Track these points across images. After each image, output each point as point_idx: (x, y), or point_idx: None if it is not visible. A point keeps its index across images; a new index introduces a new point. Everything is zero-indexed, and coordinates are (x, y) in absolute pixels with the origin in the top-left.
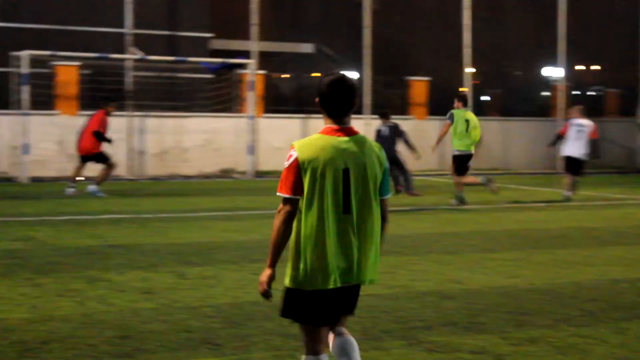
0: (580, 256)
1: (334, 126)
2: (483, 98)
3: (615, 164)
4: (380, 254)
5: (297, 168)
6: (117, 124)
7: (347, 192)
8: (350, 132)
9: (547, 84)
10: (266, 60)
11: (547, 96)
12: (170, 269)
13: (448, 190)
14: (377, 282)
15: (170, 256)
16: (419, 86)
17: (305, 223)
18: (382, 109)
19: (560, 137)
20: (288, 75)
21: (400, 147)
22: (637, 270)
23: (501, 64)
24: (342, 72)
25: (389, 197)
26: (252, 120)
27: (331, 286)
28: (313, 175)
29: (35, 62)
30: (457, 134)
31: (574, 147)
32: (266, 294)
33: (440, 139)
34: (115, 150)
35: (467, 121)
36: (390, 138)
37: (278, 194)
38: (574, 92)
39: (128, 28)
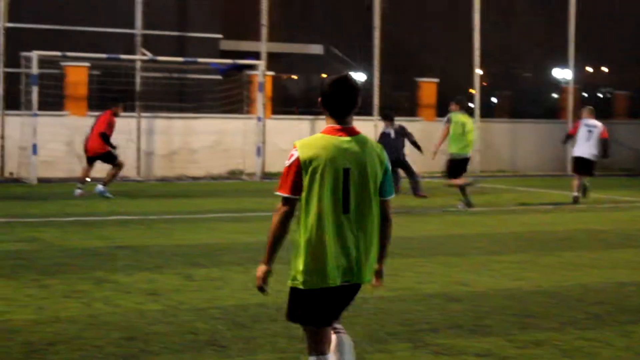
0: (586, 259)
1: (336, 126)
2: (492, 100)
3: (623, 166)
4: (386, 255)
5: (298, 167)
6: (126, 125)
7: (347, 191)
8: (352, 132)
9: (557, 85)
10: (275, 61)
11: (556, 98)
12: (177, 270)
13: (454, 192)
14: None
15: (177, 258)
16: (427, 88)
17: (306, 222)
18: (385, 111)
19: (570, 137)
20: (297, 77)
21: (407, 149)
22: None
23: (510, 65)
24: (345, 73)
25: (390, 199)
26: (260, 121)
27: (331, 284)
28: (314, 174)
29: (44, 62)
30: (453, 138)
31: (585, 147)
32: (262, 289)
33: (440, 143)
34: (123, 151)
35: (463, 124)
36: (396, 140)
37: (277, 193)
38: (583, 94)
39: (138, 29)
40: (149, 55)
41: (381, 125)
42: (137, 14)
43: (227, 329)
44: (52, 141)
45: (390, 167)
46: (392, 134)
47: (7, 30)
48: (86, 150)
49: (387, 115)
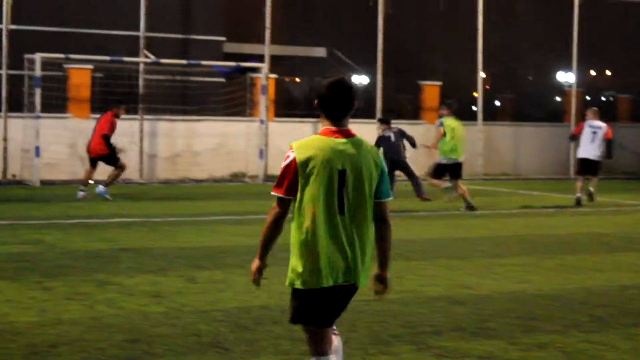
0: (590, 262)
1: (332, 128)
2: (495, 103)
3: (627, 170)
4: (388, 260)
5: (295, 168)
6: (129, 127)
7: (343, 193)
8: (347, 134)
9: (560, 89)
10: (278, 64)
11: (559, 101)
12: (180, 272)
13: (456, 195)
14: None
15: (180, 260)
16: (430, 91)
17: (302, 223)
18: (383, 115)
19: (574, 137)
20: (299, 79)
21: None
22: None
23: (514, 68)
24: (342, 75)
25: (389, 200)
26: (263, 124)
27: (326, 285)
28: (310, 175)
29: (47, 64)
30: (442, 142)
31: (589, 148)
32: (256, 282)
33: (434, 144)
34: (126, 153)
35: (452, 130)
36: (397, 143)
37: (272, 193)
38: (586, 98)
39: (141, 31)
40: (152, 58)
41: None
42: (141, 16)
43: (230, 331)
44: (55, 143)
45: (386, 169)
46: (392, 137)
47: (11, 33)
48: (89, 152)
49: (385, 119)
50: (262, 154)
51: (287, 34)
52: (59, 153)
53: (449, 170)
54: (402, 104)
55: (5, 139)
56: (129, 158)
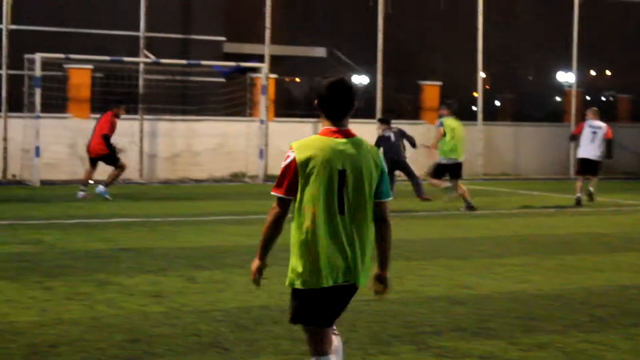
0: (589, 262)
1: (332, 128)
2: (495, 103)
3: (626, 170)
4: (388, 261)
5: (295, 168)
6: (129, 127)
7: (343, 193)
8: (347, 134)
9: (560, 89)
10: (278, 64)
11: (559, 101)
12: (180, 272)
13: (456, 195)
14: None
15: (180, 260)
16: (431, 90)
17: (302, 223)
18: (383, 115)
19: (574, 137)
20: (300, 79)
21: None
22: None
23: (514, 68)
24: (341, 75)
25: (389, 200)
26: (263, 124)
27: (326, 285)
28: (310, 175)
29: (47, 64)
30: (444, 142)
31: (590, 148)
32: (256, 282)
33: (435, 144)
34: (126, 153)
35: (452, 130)
36: (397, 143)
37: (272, 193)
38: (586, 98)
39: (141, 31)
40: (152, 58)
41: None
42: (141, 16)
43: (230, 331)
44: (55, 143)
45: (386, 169)
46: (392, 137)
47: (11, 33)
48: (89, 152)
49: (384, 119)
50: (262, 154)
51: (287, 34)
52: (59, 153)
53: (449, 170)
54: (403, 104)
55: (5, 139)
56: (129, 158)
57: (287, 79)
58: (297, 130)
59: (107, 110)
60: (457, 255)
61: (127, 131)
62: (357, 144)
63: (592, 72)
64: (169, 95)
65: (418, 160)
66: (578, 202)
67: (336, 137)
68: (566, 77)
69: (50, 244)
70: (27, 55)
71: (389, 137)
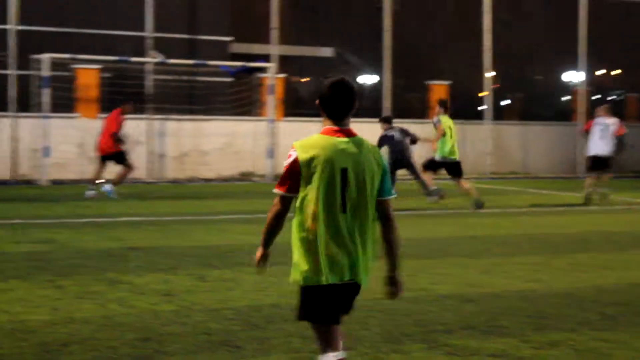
0: (600, 260)
1: (334, 127)
2: (503, 102)
3: (636, 168)
4: (398, 260)
5: (297, 168)
6: (137, 127)
7: (345, 191)
8: (349, 134)
9: (568, 88)
10: (286, 63)
11: (567, 100)
12: (190, 271)
13: (466, 194)
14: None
15: (190, 259)
16: (439, 90)
17: (304, 221)
18: (384, 115)
19: (586, 132)
20: (307, 79)
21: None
22: None
23: (522, 68)
24: (343, 76)
25: (392, 198)
26: (271, 123)
27: (328, 283)
28: (312, 174)
29: (55, 65)
30: (444, 141)
31: (600, 145)
32: (260, 269)
33: (436, 140)
34: (135, 153)
35: (450, 128)
36: (401, 141)
37: (274, 190)
38: (594, 97)
39: (148, 31)
40: (159, 58)
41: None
42: (148, 16)
43: (240, 329)
44: (64, 143)
45: (388, 168)
46: (396, 136)
47: (19, 33)
48: (98, 150)
49: (386, 118)
50: (270, 153)
51: (294, 34)
52: (67, 153)
53: (449, 171)
54: (411, 102)
55: (14, 139)
56: (138, 157)
57: (294, 79)
58: (305, 129)
59: (115, 108)
60: (467, 253)
61: (135, 131)
62: (359, 143)
63: (600, 71)
64: (176, 95)
65: (424, 158)
66: (588, 199)
67: (338, 137)
68: (574, 76)
69: (61, 243)
70: (35, 56)
71: (392, 136)
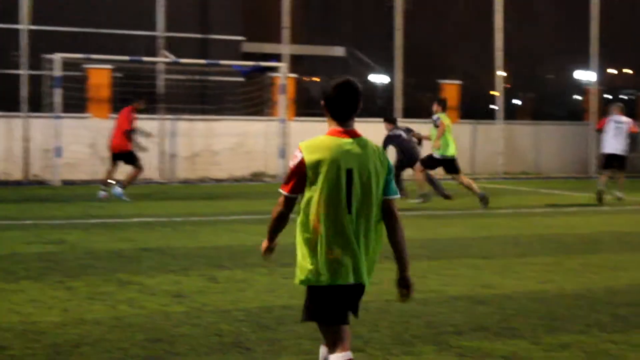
0: (612, 261)
1: (339, 128)
2: (515, 102)
3: None
4: (406, 259)
5: (302, 168)
6: (149, 127)
7: (350, 192)
8: (354, 135)
9: (580, 87)
10: (297, 63)
11: (579, 100)
12: (201, 272)
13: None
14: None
15: (201, 259)
16: (450, 89)
17: (309, 222)
18: (389, 114)
19: (599, 130)
20: (319, 79)
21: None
22: None
23: (533, 67)
24: (347, 77)
25: (396, 198)
26: (283, 123)
27: (333, 283)
28: (318, 175)
29: (67, 65)
30: (443, 138)
31: (614, 143)
32: (266, 257)
33: (439, 137)
34: (146, 153)
35: (448, 127)
36: (409, 140)
37: (279, 190)
38: (606, 96)
39: (160, 31)
40: (171, 58)
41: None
42: (160, 16)
43: (251, 330)
44: (75, 143)
45: (392, 168)
46: (404, 135)
47: (31, 33)
48: (110, 148)
49: (391, 118)
50: (282, 153)
51: (306, 33)
52: (79, 153)
53: (447, 168)
54: (423, 102)
55: (26, 139)
56: (149, 158)
57: (306, 79)
58: (316, 129)
59: (127, 104)
60: (478, 254)
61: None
62: (363, 144)
63: (613, 71)
64: (188, 95)
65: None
66: (600, 195)
67: (343, 137)
68: (586, 75)
69: (72, 244)
70: (46, 56)
71: (399, 135)
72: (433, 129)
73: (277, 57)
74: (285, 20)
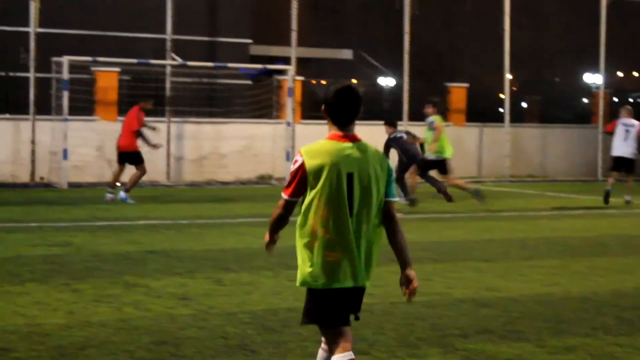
0: (619, 264)
1: (339, 133)
2: (522, 105)
3: None
4: (409, 257)
5: (303, 173)
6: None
7: (351, 196)
8: (354, 139)
9: (587, 90)
10: (305, 66)
11: (586, 103)
12: (207, 275)
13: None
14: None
15: (207, 262)
16: (458, 92)
17: (309, 225)
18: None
19: (608, 133)
20: (326, 82)
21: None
22: None
23: (541, 70)
24: (348, 82)
25: (395, 201)
26: (290, 126)
27: (334, 287)
28: (318, 179)
29: (75, 67)
30: (442, 140)
31: (624, 146)
32: (268, 249)
33: (434, 142)
34: (153, 155)
35: (442, 127)
36: (413, 144)
37: (282, 194)
38: (614, 99)
39: (168, 34)
40: (179, 60)
41: (411, 130)
42: (167, 19)
43: (257, 333)
44: (83, 146)
45: (392, 171)
46: (404, 137)
47: (38, 36)
48: (118, 147)
49: (392, 121)
50: (289, 156)
51: (313, 36)
52: (86, 155)
53: (438, 168)
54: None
55: (33, 142)
56: (156, 160)
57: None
58: (323, 132)
59: (134, 105)
60: (484, 257)
61: (153, 133)
62: (363, 148)
63: (620, 74)
64: (195, 98)
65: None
66: (607, 196)
67: (343, 142)
68: (594, 78)
69: (78, 247)
70: (54, 58)
71: (401, 137)
72: (428, 131)
73: (284, 60)
74: (293, 23)
